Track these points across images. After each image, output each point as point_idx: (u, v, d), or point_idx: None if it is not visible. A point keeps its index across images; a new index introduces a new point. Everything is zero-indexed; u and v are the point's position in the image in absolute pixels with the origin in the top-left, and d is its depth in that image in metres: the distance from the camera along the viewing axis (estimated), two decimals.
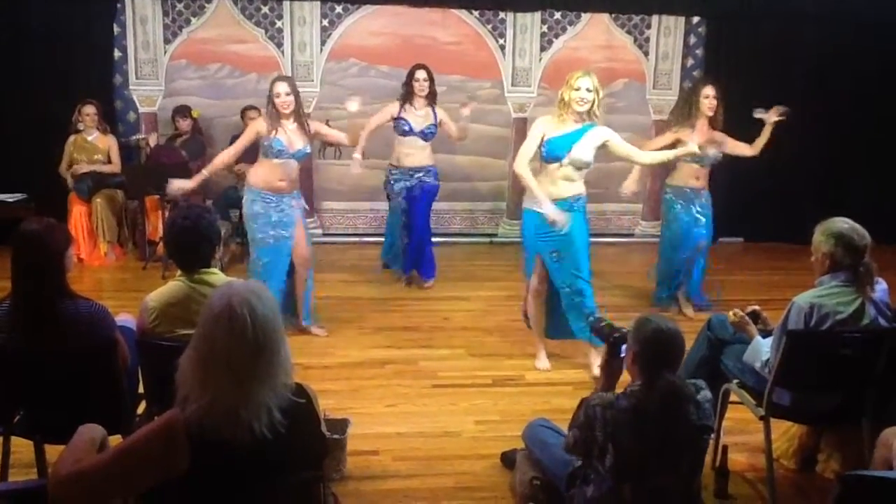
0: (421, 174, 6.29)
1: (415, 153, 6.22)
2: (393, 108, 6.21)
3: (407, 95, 6.16)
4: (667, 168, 6.03)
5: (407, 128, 6.16)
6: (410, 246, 6.43)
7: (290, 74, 7.80)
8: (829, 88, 8.05)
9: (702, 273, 6.16)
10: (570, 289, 4.70)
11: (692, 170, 5.85)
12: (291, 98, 5.01)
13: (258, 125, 5.11)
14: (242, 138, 5.19)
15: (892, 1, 7.86)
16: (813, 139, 8.09)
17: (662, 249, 6.15)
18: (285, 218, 5.14)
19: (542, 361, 5.00)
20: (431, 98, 6.18)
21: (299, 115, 5.11)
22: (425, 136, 6.19)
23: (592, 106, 4.55)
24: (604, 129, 4.69)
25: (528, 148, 4.59)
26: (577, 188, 4.67)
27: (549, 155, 4.56)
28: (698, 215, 5.91)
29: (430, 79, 6.14)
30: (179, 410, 1.97)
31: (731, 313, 3.64)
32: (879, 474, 2.61)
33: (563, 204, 4.58)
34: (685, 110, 5.76)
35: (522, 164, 4.58)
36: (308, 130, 5.16)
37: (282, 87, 5.01)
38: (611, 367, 2.90)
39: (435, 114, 6.20)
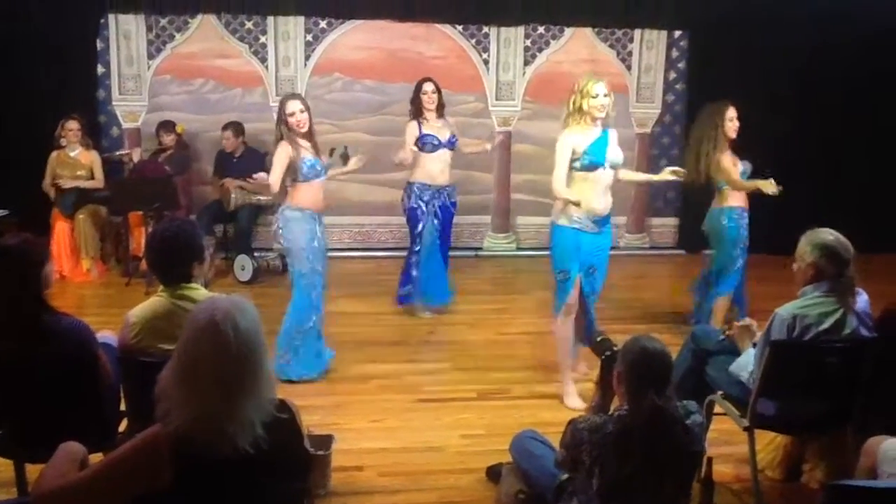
0: (449, 190, 6.11)
1: (445, 168, 6.02)
2: (413, 128, 5.96)
3: (417, 111, 5.98)
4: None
5: (436, 142, 5.93)
6: (434, 269, 6.08)
7: (274, 89, 7.83)
8: (812, 100, 8.11)
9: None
10: (595, 296, 4.74)
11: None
12: (306, 115, 4.78)
13: (287, 149, 4.74)
14: (279, 165, 4.74)
15: (876, 11, 7.97)
16: (797, 150, 8.16)
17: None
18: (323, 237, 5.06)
19: (573, 398, 4.57)
20: (440, 110, 6.03)
21: (311, 133, 4.89)
22: (452, 145, 6.04)
23: (609, 109, 4.51)
24: (614, 130, 4.66)
25: (562, 167, 4.42)
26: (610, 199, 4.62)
27: (591, 163, 4.43)
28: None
29: (438, 90, 6.01)
30: (162, 425, 1.95)
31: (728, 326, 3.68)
32: (863, 483, 2.62)
33: (605, 220, 4.59)
34: (712, 133, 5.52)
35: (561, 186, 4.41)
36: (317, 146, 4.93)
37: (296, 105, 4.76)
38: (605, 384, 2.89)
39: (449, 122, 6.12)
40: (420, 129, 5.94)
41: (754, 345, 3.56)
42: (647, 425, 2.53)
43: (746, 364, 3.48)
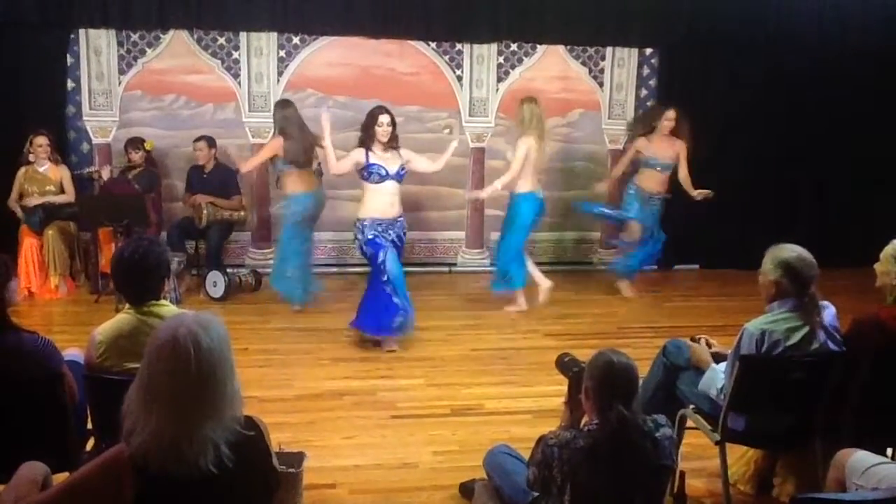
0: (401, 222, 5.85)
1: (395, 200, 5.74)
2: (358, 156, 5.68)
3: (368, 140, 5.66)
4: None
5: (383, 172, 5.62)
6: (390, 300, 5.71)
7: (247, 105, 7.81)
8: (778, 115, 8.24)
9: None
10: None
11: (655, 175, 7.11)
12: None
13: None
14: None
15: (841, 27, 8.12)
16: (764, 166, 8.29)
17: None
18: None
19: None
20: (394, 142, 5.73)
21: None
22: (400, 177, 5.73)
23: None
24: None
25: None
26: None
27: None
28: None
29: (394, 123, 5.70)
30: (125, 445, 1.92)
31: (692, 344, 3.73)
32: (830, 496, 2.64)
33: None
34: (647, 122, 7.28)
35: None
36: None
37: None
38: (574, 402, 2.88)
39: (401, 155, 5.78)
40: (367, 157, 5.64)
41: (717, 357, 3.59)
42: (615, 438, 2.53)
43: (714, 380, 3.50)
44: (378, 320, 5.72)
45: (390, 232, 5.75)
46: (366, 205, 5.74)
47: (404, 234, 5.95)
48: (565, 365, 3.00)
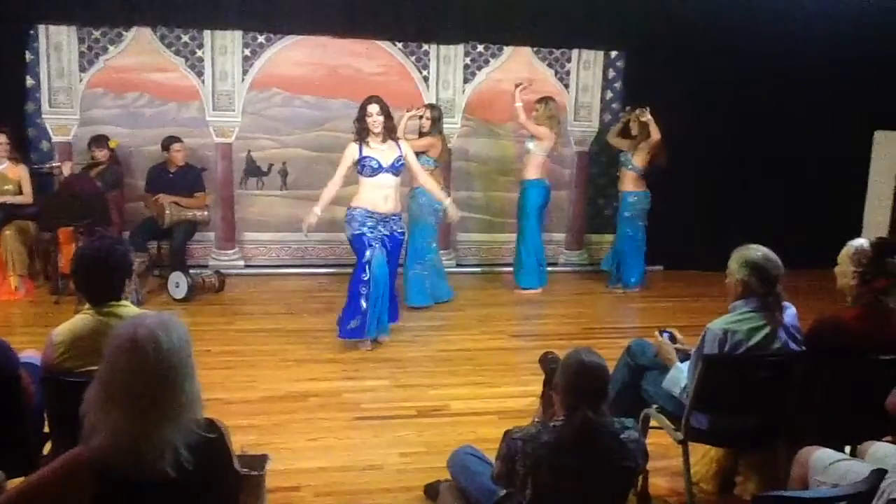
0: (395, 219, 5.69)
1: (391, 195, 5.56)
2: (352, 151, 5.55)
3: (361, 132, 5.52)
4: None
5: (375, 164, 5.48)
6: (380, 301, 5.63)
7: (211, 104, 7.72)
8: (742, 118, 8.33)
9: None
10: None
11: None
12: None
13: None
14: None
15: (805, 30, 8.24)
16: (727, 168, 8.38)
17: None
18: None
19: None
20: (388, 133, 5.56)
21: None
22: (396, 170, 5.56)
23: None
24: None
25: None
26: None
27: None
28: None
29: (385, 113, 5.50)
30: (84, 447, 1.88)
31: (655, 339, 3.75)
32: (794, 494, 2.67)
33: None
34: (624, 122, 7.80)
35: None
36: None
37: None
38: (548, 398, 2.89)
39: (399, 146, 5.64)
40: (361, 151, 5.52)
41: (682, 355, 3.62)
42: (579, 435, 2.54)
43: (678, 379, 3.52)
44: (344, 319, 5.69)
45: (381, 228, 5.58)
46: (359, 195, 5.60)
47: (401, 233, 5.78)
48: (546, 361, 3.02)
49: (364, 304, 5.58)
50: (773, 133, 8.41)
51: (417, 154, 6.23)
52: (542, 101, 7.30)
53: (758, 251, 3.41)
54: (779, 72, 8.27)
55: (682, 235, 8.33)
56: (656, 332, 3.82)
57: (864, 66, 8.20)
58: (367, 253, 5.53)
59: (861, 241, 3.48)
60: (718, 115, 8.25)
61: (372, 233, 5.55)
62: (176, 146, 7.20)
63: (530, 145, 7.31)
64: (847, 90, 8.30)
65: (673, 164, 7.51)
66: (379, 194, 5.54)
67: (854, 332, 3.35)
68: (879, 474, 2.47)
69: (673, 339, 3.75)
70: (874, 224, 8.56)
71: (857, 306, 3.42)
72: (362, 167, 5.53)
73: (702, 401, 3.36)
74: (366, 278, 5.55)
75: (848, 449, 3.23)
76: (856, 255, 3.42)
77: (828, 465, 2.84)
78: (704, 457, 3.88)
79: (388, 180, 5.55)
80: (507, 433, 2.69)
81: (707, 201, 8.34)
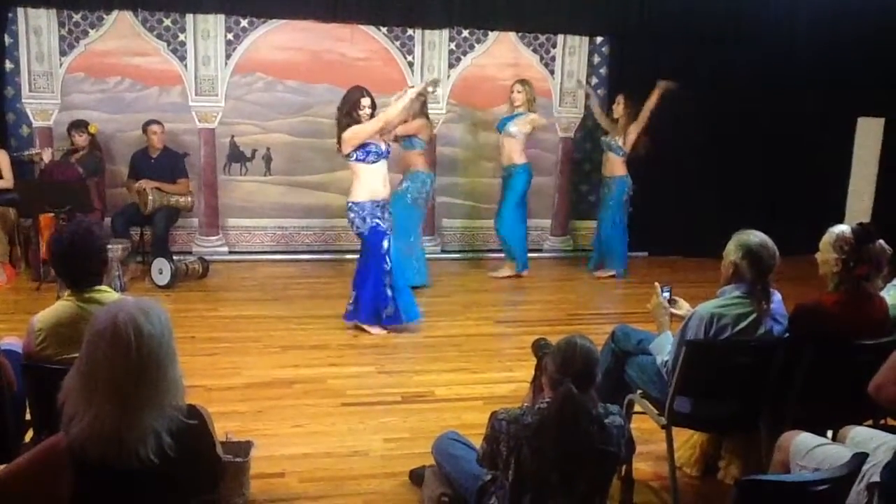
0: (388, 203, 5.81)
1: (386, 180, 5.71)
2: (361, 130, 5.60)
3: (353, 123, 5.54)
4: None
5: (380, 150, 5.61)
6: (405, 286, 5.89)
7: (193, 88, 7.66)
8: (727, 106, 8.34)
9: None
10: None
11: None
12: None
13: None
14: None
15: (790, 21, 8.26)
16: (712, 155, 8.40)
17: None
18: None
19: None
20: None
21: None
22: (388, 155, 5.74)
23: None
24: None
25: None
26: None
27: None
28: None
29: (374, 105, 5.63)
30: (63, 434, 1.86)
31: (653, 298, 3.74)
32: (775, 478, 2.69)
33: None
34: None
35: None
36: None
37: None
38: (538, 382, 2.90)
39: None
40: None
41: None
42: (562, 412, 2.54)
43: (663, 347, 3.54)
44: (376, 311, 5.75)
45: (386, 214, 5.70)
46: (364, 186, 5.61)
47: (391, 216, 5.86)
48: (539, 347, 3.02)
49: (390, 292, 5.70)
50: (757, 119, 8.44)
51: (409, 137, 6.67)
52: (521, 83, 7.33)
53: (757, 237, 3.40)
54: (762, 58, 8.29)
55: (666, 222, 8.36)
56: (656, 284, 3.77)
57: (848, 53, 8.24)
58: (385, 243, 5.66)
59: (843, 228, 3.48)
60: (703, 101, 8.25)
61: (384, 223, 5.66)
62: (153, 127, 7.15)
63: (512, 129, 7.26)
64: (830, 77, 8.33)
65: (657, 149, 7.51)
66: (379, 180, 5.64)
67: (835, 318, 3.36)
68: (860, 458, 2.49)
69: (671, 301, 3.74)
70: (857, 210, 8.62)
71: (838, 292, 3.43)
72: (367, 153, 5.58)
73: (685, 385, 3.37)
74: (388, 268, 5.67)
75: (829, 433, 3.26)
76: (837, 241, 3.42)
77: (809, 449, 2.86)
78: (688, 442, 3.91)
79: (384, 165, 5.69)
80: (493, 414, 2.70)
81: (691, 188, 8.36)
